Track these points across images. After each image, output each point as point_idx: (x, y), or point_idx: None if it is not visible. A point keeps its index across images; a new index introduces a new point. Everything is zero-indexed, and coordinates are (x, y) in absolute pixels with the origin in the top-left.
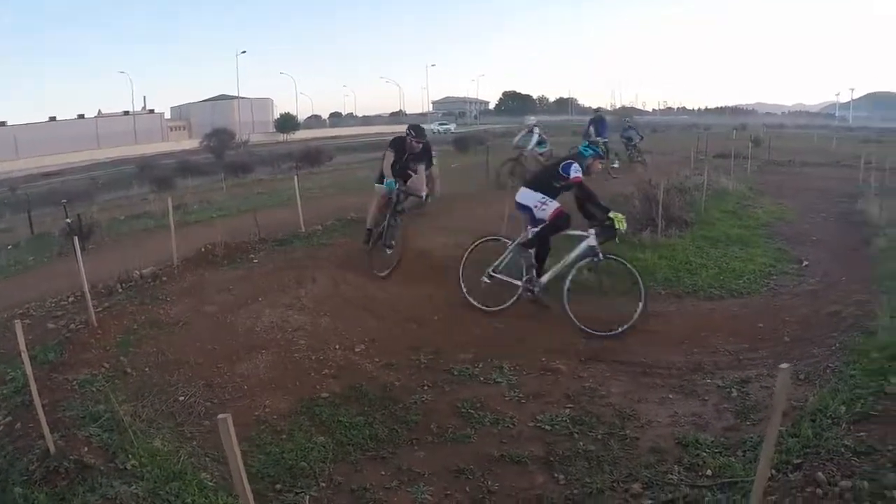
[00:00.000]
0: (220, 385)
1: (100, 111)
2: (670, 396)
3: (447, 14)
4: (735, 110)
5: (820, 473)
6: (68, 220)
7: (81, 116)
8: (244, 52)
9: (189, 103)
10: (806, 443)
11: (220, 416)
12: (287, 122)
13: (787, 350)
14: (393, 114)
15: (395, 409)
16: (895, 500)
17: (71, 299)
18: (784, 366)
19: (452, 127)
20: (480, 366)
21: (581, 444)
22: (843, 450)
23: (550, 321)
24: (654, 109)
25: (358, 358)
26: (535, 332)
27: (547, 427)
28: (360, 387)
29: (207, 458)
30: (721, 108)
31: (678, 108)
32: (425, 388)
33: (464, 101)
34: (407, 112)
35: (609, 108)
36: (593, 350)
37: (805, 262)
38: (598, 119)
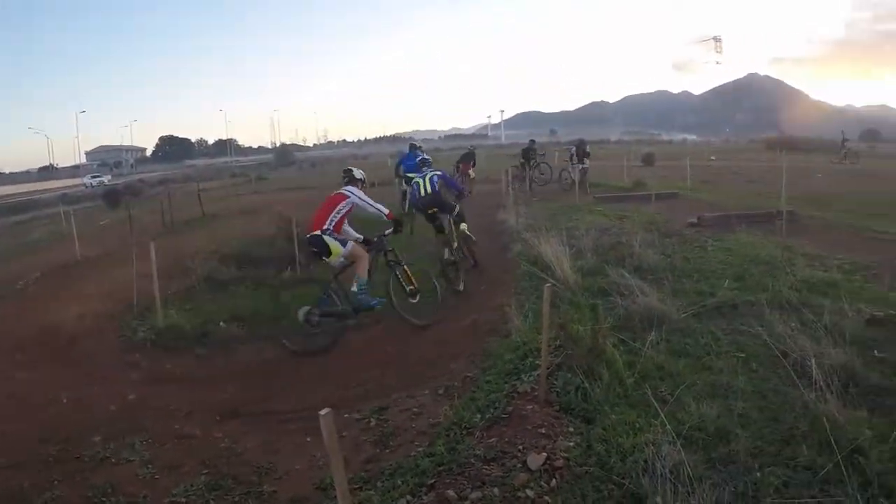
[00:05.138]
0: None
1: None
2: (308, 440)
3: (95, 57)
4: (394, 139)
5: (450, 490)
6: None
7: None
8: None
9: None
10: (440, 460)
11: None
12: None
13: (427, 369)
14: (43, 168)
15: None
16: (530, 499)
17: None
18: (324, 412)
19: (106, 179)
20: (112, 446)
21: None
22: (473, 460)
23: (187, 381)
24: (315, 144)
25: None
26: (172, 396)
27: (182, 500)
28: None
29: None
30: (380, 137)
31: (339, 140)
32: (55, 483)
33: (119, 149)
34: (58, 165)
35: (270, 146)
36: (229, 406)
37: None
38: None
